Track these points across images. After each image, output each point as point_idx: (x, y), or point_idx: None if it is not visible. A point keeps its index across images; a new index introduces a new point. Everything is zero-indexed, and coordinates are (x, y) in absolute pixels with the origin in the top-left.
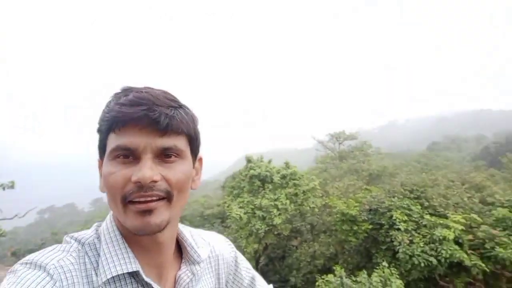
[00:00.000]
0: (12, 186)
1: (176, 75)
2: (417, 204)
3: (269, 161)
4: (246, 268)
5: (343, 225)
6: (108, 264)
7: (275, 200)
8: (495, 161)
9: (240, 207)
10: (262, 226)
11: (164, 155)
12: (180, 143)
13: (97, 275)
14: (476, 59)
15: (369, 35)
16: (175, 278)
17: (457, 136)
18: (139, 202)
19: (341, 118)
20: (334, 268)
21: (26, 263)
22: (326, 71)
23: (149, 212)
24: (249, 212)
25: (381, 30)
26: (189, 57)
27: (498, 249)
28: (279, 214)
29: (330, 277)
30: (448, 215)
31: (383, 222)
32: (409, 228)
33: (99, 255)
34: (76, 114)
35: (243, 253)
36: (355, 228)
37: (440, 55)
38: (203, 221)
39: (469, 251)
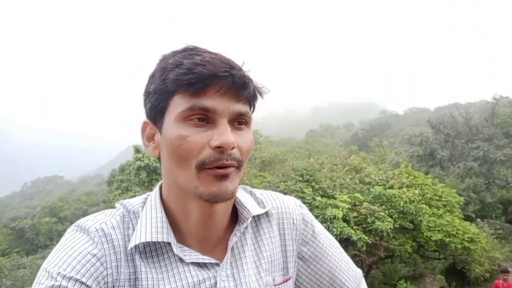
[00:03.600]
0: None
1: None
2: (309, 186)
3: None
4: (325, 236)
5: None
6: (141, 231)
7: None
8: (363, 145)
9: None
10: None
11: (237, 122)
12: (250, 110)
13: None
14: (343, 55)
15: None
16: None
17: (330, 124)
18: (218, 168)
19: None
20: None
21: (75, 226)
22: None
23: (225, 177)
24: None
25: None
26: None
27: (377, 222)
28: None
29: None
30: (335, 195)
31: None
32: None
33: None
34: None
35: None
36: None
37: (314, 51)
38: None
39: (355, 227)
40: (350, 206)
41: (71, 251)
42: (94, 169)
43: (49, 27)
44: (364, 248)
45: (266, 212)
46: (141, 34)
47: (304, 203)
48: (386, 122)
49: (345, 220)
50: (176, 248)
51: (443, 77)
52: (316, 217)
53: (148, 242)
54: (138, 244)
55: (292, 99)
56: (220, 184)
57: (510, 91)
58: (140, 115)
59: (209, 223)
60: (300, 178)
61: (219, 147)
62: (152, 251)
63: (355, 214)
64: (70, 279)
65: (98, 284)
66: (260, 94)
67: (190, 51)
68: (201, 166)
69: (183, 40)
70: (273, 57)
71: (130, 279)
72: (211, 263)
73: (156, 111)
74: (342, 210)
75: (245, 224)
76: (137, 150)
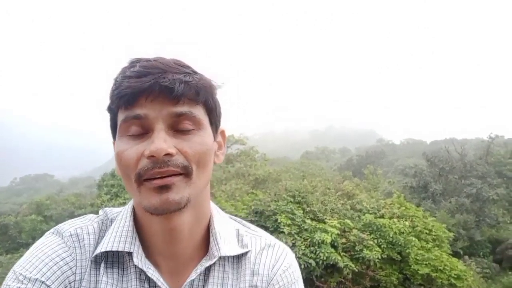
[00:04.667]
0: None
1: None
2: (300, 208)
3: None
4: None
5: None
6: (108, 240)
7: None
8: (357, 171)
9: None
10: None
11: (179, 126)
12: (196, 111)
13: None
14: (345, 80)
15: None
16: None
17: (326, 147)
18: (156, 179)
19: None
20: None
21: (53, 229)
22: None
23: (166, 188)
24: None
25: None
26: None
27: (365, 251)
28: None
29: None
30: (326, 220)
31: (268, 225)
32: (292, 232)
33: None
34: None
35: None
36: None
37: (315, 72)
38: None
39: (342, 253)
40: (339, 232)
41: (41, 254)
42: (87, 170)
43: (52, 20)
44: (350, 276)
45: (245, 256)
46: (144, 28)
47: (294, 225)
48: (381, 151)
49: (333, 245)
50: (139, 259)
51: (441, 109)
52: (304, 240)
53: (112, 251)
54: (101, 253)
55: (292, 119)
56: (160, 195)
57: (506, 128)
58: None
59: (171, 239)
60: (292, 199)
61: (151, 156)
62: (114, 261)
63: (343, 240)
64: (36, 281)
65: (65, 287)
66: (212, 92)
67: (127, 66)
68: (139, 179)
69: (178, 34)
70: (276, 75)
71: (90, 287)
72: None
73: (112, 130)
74: (331, 235)
75: (209, 263)
76: None
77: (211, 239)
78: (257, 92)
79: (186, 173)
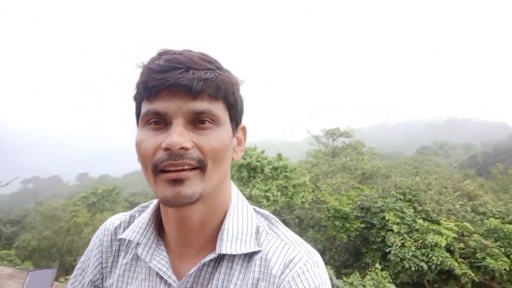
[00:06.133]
0: None
1: None
2: (410, 207)
3: (262, 151)
4: None
5: (335, 221)
6: (128, 229)
7: (266, 191)
8: (482, 170)
9: None
10: None
11: (198, 121)
12: (216, 108)
13: None
14: (471, 67)
15: (368, 33)
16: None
17: (445, 142)
18: (170, 171)
19: (331, 115)
20: None
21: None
22: (321, 67)
23: (179, 181)
24: None
25: (381, 30)
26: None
27: (488, 259)
28: (269, 205)
29: None
30: (440, 221)
31: (375, 222)
32: (402, 231)
33: None
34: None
35: None
36: (347, 225)
37: (435, 60)
38: None
39: (459, 260)
40: (456, 236)
41: (91, 243)
42: None
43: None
44: (469, 286)
45: (256, 255)
46: (144, 28)
47: (403, 224)
48: None
49: (448, 250)
50: (146, 250)
51: None
52: (415, 241)
53: (125, 239)
54: (122, 239)
55: (405, 111)
56: (173, 188)
57: None
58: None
59: (182, 228)
60: (402, 197)
61: (166, 148)
62: (133, 247)
63: (461, 245)
64: (83, 262)
65: (100, 264)
66: (233, 88)
67: (154, 58)
68: (155, 170)
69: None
70: (389, 64)
71: (111, 265)
72: (168, 281)
73: (136, 117)
74: (446, 239)
75: (208, 259)
76: None
77: (218, 235)
78: (365, 84)
79: (201, 167)
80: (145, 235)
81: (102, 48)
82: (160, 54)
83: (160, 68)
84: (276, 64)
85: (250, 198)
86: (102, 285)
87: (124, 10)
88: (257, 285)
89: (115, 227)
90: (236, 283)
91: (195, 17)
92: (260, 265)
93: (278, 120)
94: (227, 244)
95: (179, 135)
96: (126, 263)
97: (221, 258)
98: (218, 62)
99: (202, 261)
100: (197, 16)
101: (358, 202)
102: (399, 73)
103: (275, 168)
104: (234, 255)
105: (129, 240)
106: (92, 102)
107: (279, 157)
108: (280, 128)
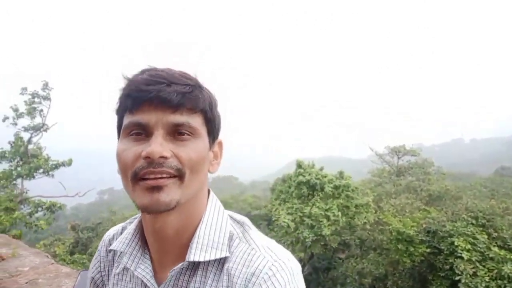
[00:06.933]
0: (69, 163)
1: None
2: (483, 233)
3: (321, 168)
4: None
5: (398, 244)
6: (117, 240)
7: (326, 210)
8: None
9: (289, 213)
10: (310, 235)
11: (177, 133)
12: (194, 121)
13: None
14: None
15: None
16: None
17: None
18: (149, 179)
19: (399, 132)
20: None
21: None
22: (387, 81)
23: (158, 188)
24: (297, 219)
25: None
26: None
27: None
28: (329, 225)
29: None
30: None
31: (442, 247)
32: (473, 259)
33: None
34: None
35: None
36: (411, 249)
37: None
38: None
39: None
40: None
41: (97, 252)
42: (264, 175)
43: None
44: None
45: (226, 262)
46: (144, 28)
47: (475, 251)
48: None
49: None
50: (131, 260)
51: None
52: (489, 270)
53: (113, 249)
54: (109, 250)
55: (484, 127)
56: (151, 195)
57: None
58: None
59: (159, 238)
60: (474, 221)
61: (146, 157)
62: (120, 257)
63: None
64: (90, 269)
65: (99, 272)
66: (211, 105)
67: (137, 74)
68: (134, 177)
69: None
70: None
71: (108, 274)
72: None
73: (118, 130)
74: None
75: (179, 267)
76: (299, 165)
77: (190, 244)
78: (437, 100)
79: (179, 175)
80: (130, 245)
81: (102, 48)
82: (143, 71)
83: (143, 81)
84: (298, 65)
85: (309, 216)
86: None
87: (124, 10)
88: None
89: (109, 239)
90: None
91: (195, 17)
92: (228, 274)
93: (340, 137)
94: (196, 252)
95: (159, 145)
96: (118, 273)
97: (196, 266)
98: (198, 80)
99: (172, 269)
100: (197, 16)
101: (424, 225)
102: (478, 85)
103: (336, 187)
104: (208, 263)
105: (118, 251)
106: None
107: (341, 175)
108: (342, 145)
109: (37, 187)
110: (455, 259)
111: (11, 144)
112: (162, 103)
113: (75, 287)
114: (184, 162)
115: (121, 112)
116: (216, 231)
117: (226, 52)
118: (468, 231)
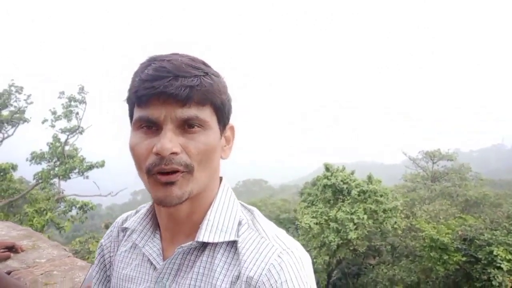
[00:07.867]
0: (102, 165)
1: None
2: None
3: (352, 172)
4: None
5: (431, 251)
6: (129, 220)
7: (352, 213)
8: None
9: (313, 217)
10: (335, 239)
11: (187, 126)
12: (203, 113)
13: None
14: None
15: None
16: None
17: None
18: (161, 174)
19: (435, 137)
20: None
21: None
22: (387, 81)
23: (171, 183)
24: (322, 223)
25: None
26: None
27: None
28: (355, 229)
29: None
30: None
31: (480, 256)
32: None
33: None
34: None
35: (313, 263)
36: (445, 257)
37: None
38: (278, 224)
39: None
40: None
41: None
42: (295, 179)
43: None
44: None
45: (235, 246)
46: (144, 28)
47: None
48: None
49: None
50: (141, 237)
51: None
52: None
53: (128, 228)
54: (125, 228)
55: None
56: (164, 190)
57: None
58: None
59: (171, 221)
60: None
61: (157, 153)
62: (129, 236)
63: None
64: (101, 246)
65: (108, 252)
66: (220, 92)
67: (144, 65)
68: (148, 172)
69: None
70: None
71: (115, 250)
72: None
73: (129, 118)
74: None
75: (187, 246)
76: (327, 168)
77: (200, 225)
78: (474, 103)
79: (188, 170)
80: (142, 223)
81: (102, 48)
82: (149, 61)
83: (149, 77)
84: (297, 65)
85: (335, 220)
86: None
87: (124, 10)
88: (232, 276)
89: (122, 220)
90: (221, 272)
91: (195, 17)
92: (236, 258)
93: (374, 141)
94: (206, 233)
95: (168, 141)
96: (126, 250)
97: (204, 247)
98: (206, 66)
99: (180, 246)
100: (197, 16)
101: (460, 233)
102: (478, 85)
103: (363, 192)
104: (216, 245)
105: (129, 229)
106: None
107: (369, 179)
108: (377, 150)
109: (76, 187)
110: (494, 269)
111: (49, 146)
112: (169, 98)
113: (85, 279)
114: (193, 156)
115: (131, 104)
116: (226, 215)
117: (226, 52)
118: (508, 240)
